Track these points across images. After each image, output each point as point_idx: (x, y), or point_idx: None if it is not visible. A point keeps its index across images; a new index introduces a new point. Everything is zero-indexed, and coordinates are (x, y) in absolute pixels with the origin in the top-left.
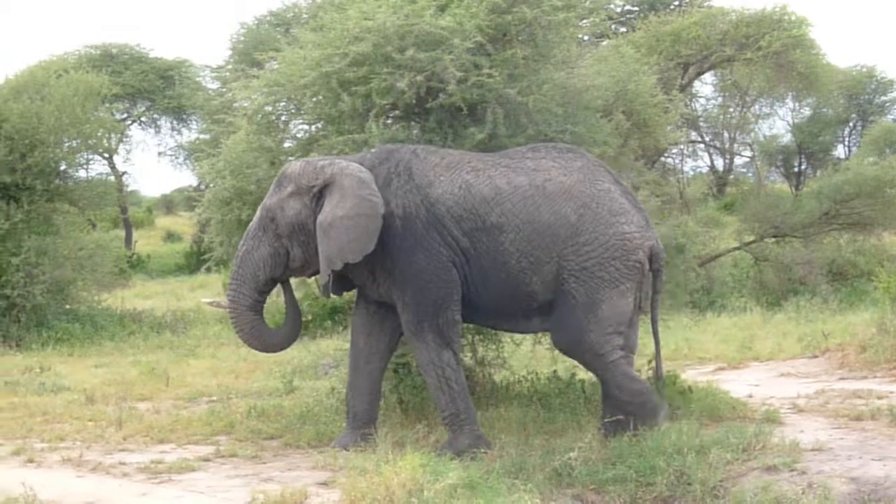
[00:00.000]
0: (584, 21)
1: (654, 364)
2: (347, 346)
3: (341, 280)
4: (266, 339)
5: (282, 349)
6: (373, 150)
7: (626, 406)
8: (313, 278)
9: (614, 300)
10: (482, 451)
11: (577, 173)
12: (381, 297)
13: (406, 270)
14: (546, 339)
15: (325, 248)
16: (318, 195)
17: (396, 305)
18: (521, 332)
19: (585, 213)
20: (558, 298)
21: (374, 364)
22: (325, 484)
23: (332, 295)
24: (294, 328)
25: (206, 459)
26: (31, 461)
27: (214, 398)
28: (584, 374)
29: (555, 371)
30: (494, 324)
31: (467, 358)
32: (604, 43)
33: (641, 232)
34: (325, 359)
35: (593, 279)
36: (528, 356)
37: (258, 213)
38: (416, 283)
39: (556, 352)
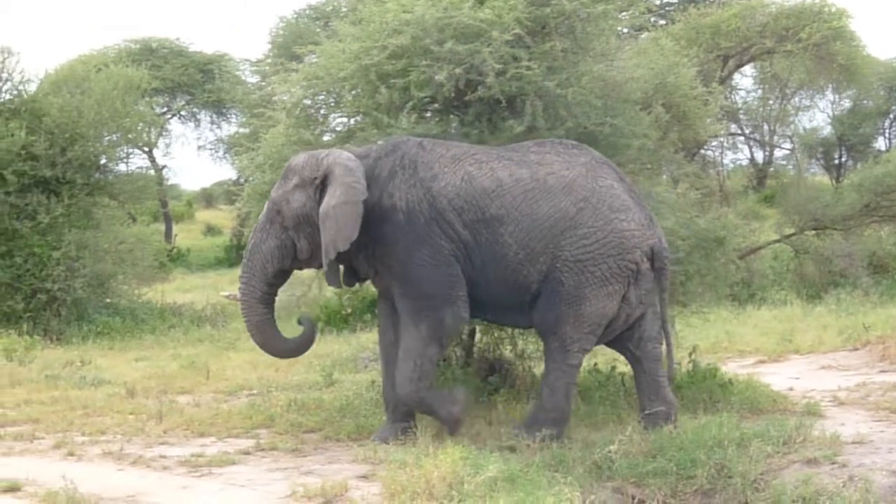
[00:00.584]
0: (624, 13)
1: (693, 357)
2: None
3: (352, 272)
4: (270, 340)
5: (282, 357)
6: (380, 142)
7: (539, 410)
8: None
9: (599, 300)
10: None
11: (580, 168)
12: (383, 289)
13: (407, 263)
14: None
15: (323, 239)
16: (321, 186)
17: (395, 297)
18: (519, 326)
19: (585, 207)
20: (547, 284)
21: None
22: (365, 477)
23: (342, 286)
24: (303, 345)
25: (247, 453)
26: (71, 454)
27: (254, 391)
28: (624, 368)
29: (595, 364)
30: (495, 318)
31: (507, 351)
32: (643, 35)
33: (642, 230)
34: (364, 352)
35: (584, 273)
36: None
37: (266, 206)
38: (417, 276)
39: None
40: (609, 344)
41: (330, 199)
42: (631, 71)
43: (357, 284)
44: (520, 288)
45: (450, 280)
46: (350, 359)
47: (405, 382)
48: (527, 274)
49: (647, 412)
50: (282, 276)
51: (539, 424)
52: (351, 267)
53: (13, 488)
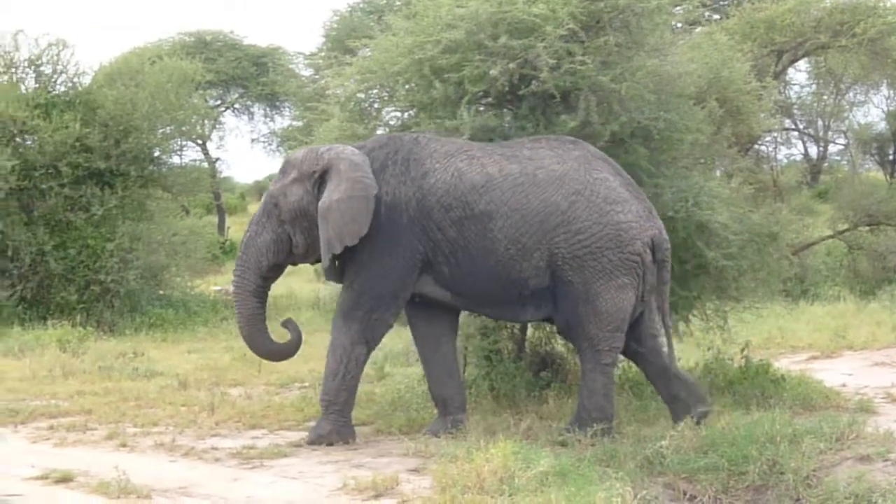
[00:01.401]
0: (678, 8)
1: (746, 352)
2: None
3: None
4: (257, 337)
5: (264, 358)
6: (377, 136)
7: (582, 412)
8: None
9: (612, 293)
10: (339, 440)
11: (572, 162)
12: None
13: (373, 256)
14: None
15: (324, 233)
16: (320, 181)
17: (343, 286)
18: (518, 321)
19: (578, 200)
20: (557, 286)
21: (444, 347)
22: (416, 470)
23: (335, 281)
24: (288, 350)
25: (298, 445)
26: (124, 445)
27: (306, 384)
28: (677, 363)
29: None
30: (489, 312)
31: (559, 345)
32: (697, 30)
33: (640, 222)
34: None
35: (586, 269)
36: None
37: (263, 199)
38: (374, 273)
39: None
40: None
41: (333, 193)
42: (685, 66)
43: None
44: (514, 283)
45: (401, 285)
46: (402, 352)
47: (329, 378)
48: (520, 269)
49: (673, 398)
50: (276, 270)
51: (583, 426)
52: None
53: (66, 478)
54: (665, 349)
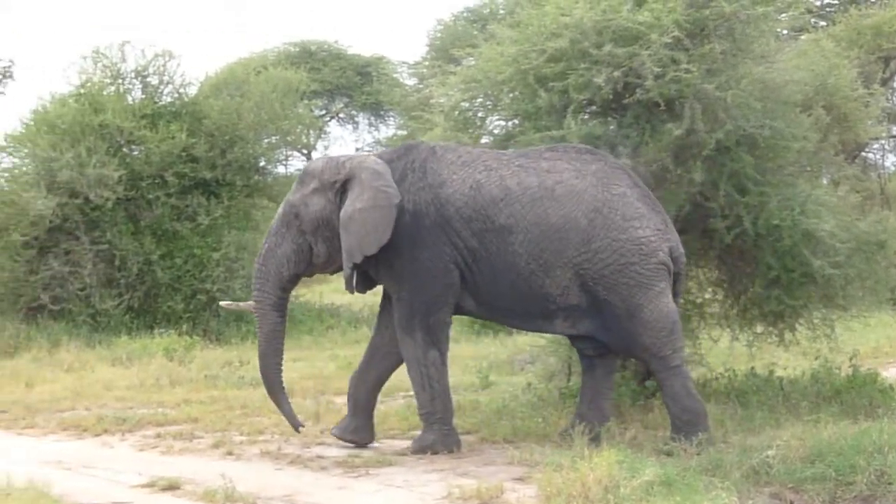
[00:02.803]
0: (783, 15)
1: (853, 361)
2: (542, 341)
3: (366, 276)
4: (269, 360)
5: (266, 384)
6: (395, 147)
7: (676, 419)
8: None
9: (653, 303)
10: (444, 449)
11: (591, 177)
12: (387, 289)
13: (407, 266)
14: (742, 336)
15: (345, 242)
16: (341, 190)
17: (393, 301)
18: (546, 333)
19: (597, 219)
20: (599, 308)
21: (388, 362)
22: (520, 479)
23: (355, 291)
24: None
25: (403, 454)
26: (230, 454)
27: (410, 393)
28: (782, 371)
29: (752, 368)
30: (516, 324)
31: None
32: (803, 37)
33: (658, 235)
34: (521, 354)
35: (619, 286)
36: (725, 353)
37: (280, 209)
38: (415, 280)
39: (754, 348)
40: (573, 340)
41: (355, 203)
42: (791, 73)
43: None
44: (538, 298)
45: (444, 284)
46: (506, 361)
47: (419, 392)
48: (542, 284)
49: (581, 418)
50: (295, 280)
51: (681, 432)
52: (364, 272)
53: (173, 486)
54: (613, 367)
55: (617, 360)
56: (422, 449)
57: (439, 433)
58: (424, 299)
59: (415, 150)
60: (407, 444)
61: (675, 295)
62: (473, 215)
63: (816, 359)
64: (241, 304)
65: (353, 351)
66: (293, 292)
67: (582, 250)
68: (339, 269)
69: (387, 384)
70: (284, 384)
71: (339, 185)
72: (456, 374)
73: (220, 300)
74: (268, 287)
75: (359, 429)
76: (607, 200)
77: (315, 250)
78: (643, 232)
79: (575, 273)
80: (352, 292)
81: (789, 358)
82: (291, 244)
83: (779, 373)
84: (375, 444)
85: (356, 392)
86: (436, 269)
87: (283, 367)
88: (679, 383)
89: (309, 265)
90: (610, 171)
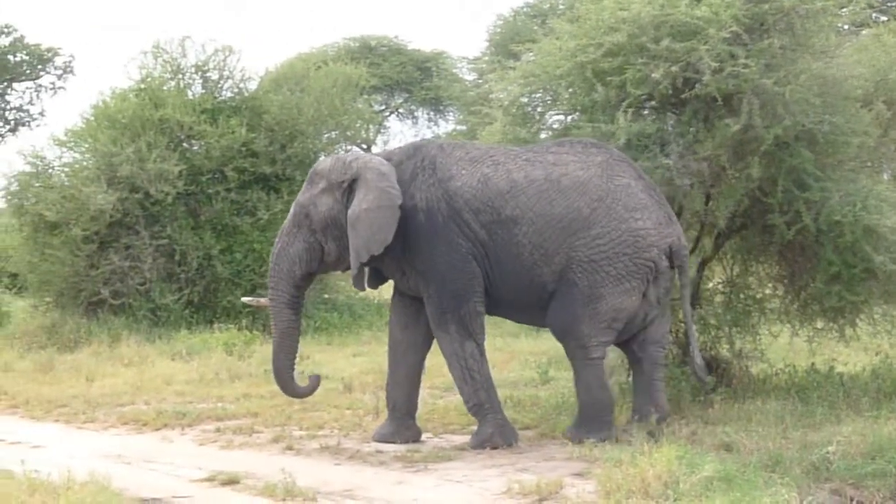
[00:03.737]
0: (844, 9)
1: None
2: None
3: (376, 273)
4: (283, 359)
5: (278, 381)
6: (403, 146)
7: (582, 409)
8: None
9: (616, 297)
10: (502, 441)
11: (596, 168)
12: (410, 290)
13: (428, 263)
14: (802, 332)
15: (353, 242)
16: (349, 190)
17: (424, 300)
18: (540, 326)
19: (599, 207)
20: (561, 285)
21: (412, 357)
22: (580, 475)
23: (366, 288)
24: (301, 391)
25: (462, 449)
26: (289, 448)
27: None
28: (842, 367)
29: (812, 364)
30: (515, 317)
31: (724, 350)
32: (864, 32)
33: (658, 228)
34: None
35: (599, 272)
36: (785, 348)
37: (292, 209)
38: (438, 275)
39: (815, 344)
40: (616, 343)
41: (361, 203)
42: (851, 68)
43: (378, 287)
44: (535, 287)
45: (469, 277)
46: (565, 356)
47: (462, 387)
48: (541, 273)
49: (637, 416)
50: (309, 278)
51: (587, 424)
52: (375, 269)
53: (233, 481)
54: (659, 358)
55: (662, 350)
56: (481, 443)
57: (495, 424)
58: (451, 292)
59: (423, 148)
60: (466, 439)
61: (682, 287)
62: (481, 207)
63: (877, 354)
64: (262, 300)
65: None
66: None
67: (581, 236)
68: (350, 267)
69: (447, 379)
70: (296, 375)
71: (347, 185)
72: (515, 370)
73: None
74: (282, 285)
75: (399, 430)
76: (611, 190)
77: (326, 249)
78: (643, 224)
79: (567, 258)
80: (361, 289)
81: (850, 354)
82: (303, 243)
83: (839, 369)
84: (435, 439)
85: (392, 394)
86: (455, 261)
87: (296, 364)
88: (593, 374)
89: (321, 263)
90: (615, 163)
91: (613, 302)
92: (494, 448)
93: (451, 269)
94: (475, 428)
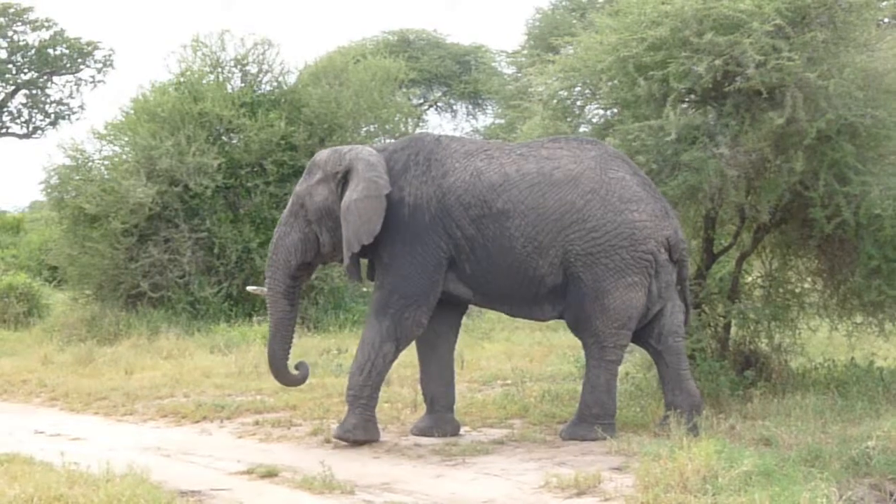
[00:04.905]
0: (885, 2)
1: None
2: None
3: (370, 264)
4: (277, 347)
5: (272, 369)
6: (400, 138)
7: (584, 408)
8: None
9: (621, 291)
10: (364, 437)
11: (589, 161)
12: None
13: (398, 258)
14: (842, 326)
15: (345, 232)
16: (342, 181)
17: (374, 286)
18: (534, 319)
19: (593, 199)
20: (569, 282)
21: (441, 349)
22: (618, 469)
23: (361, 279)
24: (293, 380)
25: (500, 443)
26: (328, 441)
27: (509, 381)
28: (882, 361)
29: (852, 358)
30: (510, 311)
31: (763, 344)
32: None
33: (654, 221)
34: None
35: (598, 266)
36: (824, 343)
37: (290, 200)
38: (402, 273)
39: (854, 338)
40: (632, 339)
41: (352, 194)
42: (893, 61)
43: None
44: (531, 281)
45: (430, 284)
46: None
47: (356, 372)
48: (536, 267)
49: (670, 410)
50: (305, 269)
51: (585, 423)
52: (371, 261)
53: (271, 473)
54: (680, 348)
55: (681, 340)
56: (343, 434)
57: (360, 419)
58: (406, 294)
59: (420, 141)
60: (504, 433)
61: (682, 280)
62: (472, 202)
63: None
64: (265, 289)
65: None
66: None
67: (576, 229)
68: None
69: (485, 373)
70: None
71: (341, 176)
72: (554, 364)
73: (317, 288)
74: (278, 275)
75: (438, 424)
76: (605, 183)
77: (321, 239)
78: (639, 216)
79: (563, 250)
80: (356, 281)
81: (889, 348)
82: (299, 234)
83: (878, 363)
84: (473, 433)
85: (428, 388)
86: (427, 264)
87: (290, 353)
88: (605, 377)
89: (317, 254)
90: (609, 158)
91: (621, 297)
92: (355, 442)
93: (418, 273)
94: (515, 420)
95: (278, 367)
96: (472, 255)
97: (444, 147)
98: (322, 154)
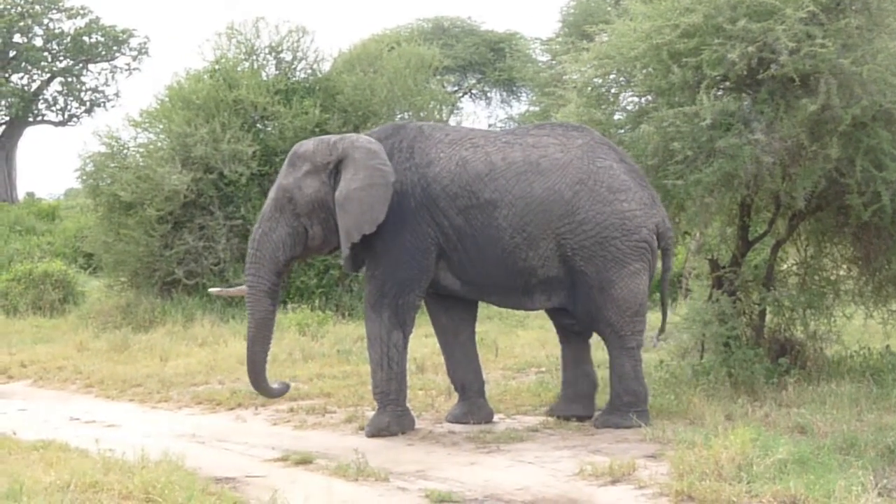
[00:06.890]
0: None
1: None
2: (677, 318)
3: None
4: (257, 351)
5: (250, 376)
6: (383, 126)
7: (615, 398)
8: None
9: (626, 280)
10: (399, 431)
11: (576, 150)
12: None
13: (387, 246)
14: (877, 314)
15: (343, 222)
16: (335, 171)
17: (365, 278)
18: (525, 309)
19: (581, 190)
20: (572, 276)
21: (463, 335)
22: (653, 456)
23: (359, 270)
24: (271, 392)
25: (535, 430)
26: (362, 429)
27: (543, 369)
28: None
29: (887, 346)
30: (497, 301)
31: (798, 332)
32: None
33: (644, 209)
34: (652, 331)
35: (596, 258)
36: (859, 330)
37: (272, 194)
38: (392, 260)
39: (889, 326)
40: (552, 315)
41: (350, 183)
42: None
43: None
44: (521, 272)
45: (419, 268)
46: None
47: (376, 370)
48: (526, 258)
49: (566, 385)
50: (290, 265)
51: (618, 411)
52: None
53: (306, 460)
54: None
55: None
56: (377, 430)
57: (393, 415)
58: (399, 280)
59: (403, 129)
60: (538, 420)
61: (665, 270)
62: (459, 192)
63: None
64: (232, 289)
65: (484, 327)
66: None
67: (566, 221)
68: (334, 249)
69: (519, 360)
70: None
71: (333, 166)
72: None
73: (352, 275)
74: (263, 272)
75: (472, 411)
76: (592, 172)
77: (310, 233)
78: (628, 205)
79: (556, 244)
80: (353, 272)
81: None
82: (286, 228)
83: None
84: (507, 420)
85: (456, 376)
86: (415, 250)
87: (268, 354)
88: (630, 365)
89: (304, 248)
90: (596, 146)
91: (626, 286)
92: (391, 436)
93: (408, 258)
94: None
95: (258, 372)
96: (460, 245)
97: (426, 136)
98: (306, 145)
